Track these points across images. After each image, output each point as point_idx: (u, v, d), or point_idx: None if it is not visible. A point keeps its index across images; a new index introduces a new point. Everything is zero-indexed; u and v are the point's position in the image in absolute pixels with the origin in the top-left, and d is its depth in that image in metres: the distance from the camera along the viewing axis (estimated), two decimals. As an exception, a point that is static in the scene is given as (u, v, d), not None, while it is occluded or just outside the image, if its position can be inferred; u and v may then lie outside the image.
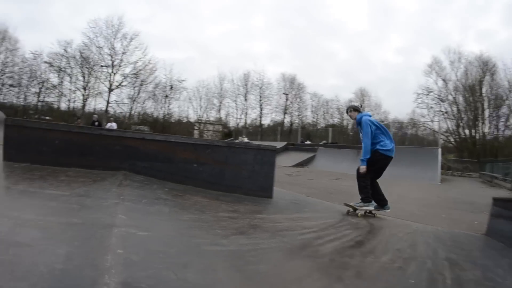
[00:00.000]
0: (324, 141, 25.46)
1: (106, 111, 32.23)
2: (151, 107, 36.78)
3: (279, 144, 23.51)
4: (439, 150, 15.03)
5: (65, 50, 32.73)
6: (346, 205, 4.02)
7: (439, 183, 12.87)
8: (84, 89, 33.57)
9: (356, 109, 4.29)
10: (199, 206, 3.05)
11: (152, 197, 3.00)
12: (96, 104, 34.26)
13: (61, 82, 33.57)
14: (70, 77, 33.50)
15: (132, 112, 35.54)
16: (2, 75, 31.79)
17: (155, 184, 3.54)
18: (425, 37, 50.52)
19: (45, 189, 2.60)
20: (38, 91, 33.38)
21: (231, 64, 63.79)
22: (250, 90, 39.54)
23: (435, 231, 3.44)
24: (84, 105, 33.57)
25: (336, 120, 40.44)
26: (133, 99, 35.21)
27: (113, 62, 33.71)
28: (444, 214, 5.19)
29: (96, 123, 15.68)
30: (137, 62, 34.46)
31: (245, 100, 39.62)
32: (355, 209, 3.88)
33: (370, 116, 4.18)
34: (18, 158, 3.44)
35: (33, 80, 32.92)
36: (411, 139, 27.56)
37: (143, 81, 35.24)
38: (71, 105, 34.60)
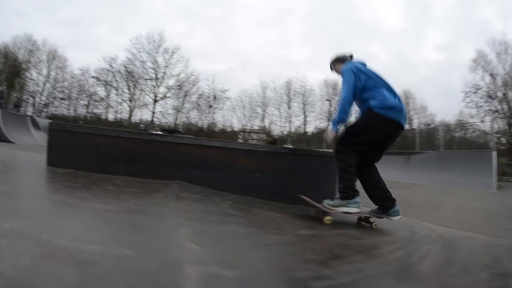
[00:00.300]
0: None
1: (152, 121, 33.37)
2: (195, 117, 37.73)
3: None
4: (494, 153, 12.91)
5: (111, 65, 35.39)
6: (308, 203, 2.75)
7: (495, 190, 11.11)
8: (130, 101, 35.23)
9: (341, 59, 2.91)
10: (273, 223, 2.40)
11: (219, 214, 2.29)
12: (142, 114, 35.91)
13: (108, 94, 36.30)
14: (117, 90, 35.87)
15: (177, 122, 36.53)
16: (54, 90, 36.05)
17: (216, 196, 2.86)
18: (465, 29, 47.00)
19: (88, 201, 1.99)
20: (86, 104, 36.61)
21: (272, 73, 63.95)
22: (293, 98, 39.09)
23: (507, 244, 2.81)
24: (130, 116, 35.14)
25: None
26: (177, 110, 36.27)
27: (156, 75, 35.53)
28: (509, 225, 4.39)
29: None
30: (179, 74, 35.91)
31: (289, 107, 39.10)
32: (325, 212, 2.53)
33: (362, 64, 2.76)
34: (62, 163, 3.00)
35: (82, 94, 35.92)
36: (459, 142, 25.24)
37: (186, 92, 36.57)
38: (118, 116, 36.65)
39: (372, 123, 2.56)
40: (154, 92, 35.55)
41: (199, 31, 56.78)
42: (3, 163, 3.28)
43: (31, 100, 35.13)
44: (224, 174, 3.28)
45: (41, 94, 35.44)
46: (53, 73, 35.77)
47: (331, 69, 3.04)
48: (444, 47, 48.27)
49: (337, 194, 2.67)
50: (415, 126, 34.29)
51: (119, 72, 35.38)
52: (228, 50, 57.71)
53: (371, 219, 2.73)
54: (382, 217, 2.67)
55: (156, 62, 35.55)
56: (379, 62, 48.66)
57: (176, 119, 36.94)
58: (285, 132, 39.00)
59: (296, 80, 38.65)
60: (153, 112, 35.17)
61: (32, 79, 35.60)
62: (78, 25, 47.87)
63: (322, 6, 56.24)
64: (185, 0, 56.74)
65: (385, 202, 2.65)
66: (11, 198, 1.79)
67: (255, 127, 39.49)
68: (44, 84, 35.59)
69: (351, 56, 2.95)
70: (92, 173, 2.90)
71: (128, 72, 35.22)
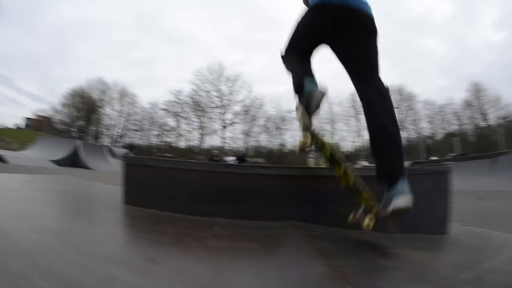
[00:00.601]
0: (453, 154, 21.10)
1: (222, 147, 34.46)
2: (265, 140, 37.88)
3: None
4: None
5: (178, 98, 37.16)
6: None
7: None
8: (200, 128, 36.76)
9: None
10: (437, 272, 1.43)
11: (369, 270, 1.43)
12: (213, 141, 37.28)
13: (178, 124, 37.95)
14: (186, 119, 37.33)
15: (247, 146, 37.23)
16: (127, 122, 40.68)
17: (348, 241, 2.01)
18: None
19: (190, 263, 1.26)
20: (158, 133, 38.85)
21: (334, 87, 62.04)
22: (360, 110, 36.84)
23: None
24: (201, 143, 36.62)
25: (454, 127, 34.41)
26: (246, 134, 37.00)
27: (222, 103, 36.39)
28: None
29: (217, 158, 16.14)
30: (244, 100, 36.57)
31: (357, 120, 37.04)
32: None
33: None
34: (142, 202, 2.40)
35: (153, 125, 38.75)
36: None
37: (253, 116, 37.03)
38: (189, 143, 38.47)
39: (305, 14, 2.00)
40: (221, 119, 36.84)
41: (255, 56, 58.58)
42: (74, 199, 2.84)
43: (107, 132, 39.00)
44: (338, 206, 2.43)
45: (115, 126, 39.16)
46: (125, 108, 40.26)
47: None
48: (502, 22, 41.69)
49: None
50: (492, 122, 30.04)
51: (186, 103, 37.56)
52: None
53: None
54: None
55: (220, 91, 37.27)
56: (438, 58, 43.81)
57: (246, 143, 37.66)
58: (356, 147, 36.92)
59: None
60: (223, 138, 36.36)
61: (106, 115, 40.10)
62: (142, 65, 52.80)
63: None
64: (235, 31, 59.15)
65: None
66: (77, 261, 1.10)
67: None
68: (118, 118, 39.37)
69: None
70: (180, 214, 2.26)
71: (195, 102, 37.26)
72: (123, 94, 40.68)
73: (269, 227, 2.08)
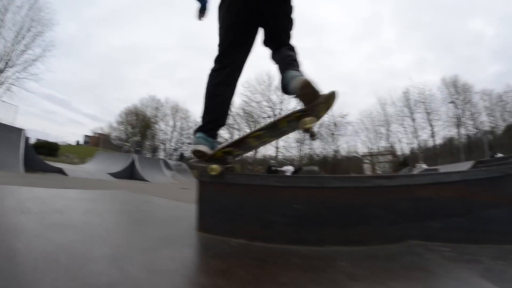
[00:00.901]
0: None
1: (276, 156, 34.17)
2: (318, 147, 36.81)
3: (465, 165, 17.88)
4: None
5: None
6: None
7: None
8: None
9: None
10: None
11: None
12: (266, 151, 37.05)
13: (231, 136, 38.66)
14: (239, 131, 37.77)
15: (301, 154, 36.54)
16: (181, 136, 43.37)
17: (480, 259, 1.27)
18: None
19: None
20: None
21: (385, 87, 58.63)
22: (414, 109, 34.32)
23: None
24: (255, 153, 36.73)
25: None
26: (300, 142, 36.39)
27: (274, 112, 36.24)
28: None
29: (274, 168, 15.75)
30: (295, 107, 36.14)
31: (412, 120, 34.27)
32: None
33: None
34: (224, 229, 1.77)
35: None
36: None
37: None
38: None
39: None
40: None
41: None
42: (133, 225, 2.20)
43: (162, 146, 40.86)
44: (460, 219, 1.81)
45: (170, 141, 40.93)
46: (178, 123, 41.55)
47: None
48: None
49: None
50: None
51: (238, 114, 37.88)
52: (332, 76, 56.80)
53: None
54: None
55: (270, 100, 36.91)
56: (488, 41, 38.25)
57: (300, 152, 37.00)
58: (413, 149, 33.99)
59: (413, 88, 33.89)
60: (277, 148, 36.11)
61: (161, 130, 41.92)
62: (191, 81, 54.91)
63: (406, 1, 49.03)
64: None
65: None
66: None
67: (381, 149, 35.86)
68: (171, 132, 41.26)
69: None
70: (279, 245, 1.59)
71: (247, 113, 37.44)
72: (176, 110, 42.71)
73: (395, 252, 1.54)
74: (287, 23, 2.06)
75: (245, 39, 2.06)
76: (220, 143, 2.17)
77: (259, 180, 1.87)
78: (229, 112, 2.13)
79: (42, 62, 24.11)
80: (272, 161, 20.18)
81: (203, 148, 1.97)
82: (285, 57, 1.95)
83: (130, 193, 4.78)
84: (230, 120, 38.73)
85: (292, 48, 2.05)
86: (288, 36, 2.07)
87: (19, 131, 12.59)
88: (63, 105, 75.96)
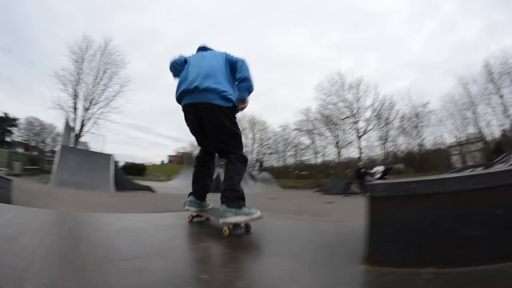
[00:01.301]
0: None
1: (359, 157, 32.61)
2: (403, 143, 34.00)
3: None
4: None
5: (307, 115, 37.35)
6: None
7: None
8: (337, 142, 35.80)
9: None
10: None
11: None
12: (349, 153, 35.43)
13: (313, 141, 37.75)
14: (319, 135, 36.85)
15: (385, 152, 34.25)
16: (261, 148, 43.31)
17: None
18: None
19: None
20: (293, 153, 40.54)
21: (460, 64, 50.95)
22: (500, 83, 27.95)
23: None
24: (339, 156, 35.39)
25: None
26: (383, 139, 34.19)
27: (352, 112, 34.65)
28: None
29: (364, 171, 15.03)
30: (373, 104, 34.18)
31: (500, 97, 28.23)
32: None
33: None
34: (407, 258, 1.36)
35: (287, 146, 40.48)
36: None
37: (386, 119, 33.76)
38: (326, 158, 38.60)
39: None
40: (355, 128, 35.05)
41: (366, 57, 55.33)
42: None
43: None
44: None
45: (251, 153, 42.28)
46: (257, 135, 42.66)
47: None
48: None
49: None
50: None
51: (317, 119, 37.26)
52: (402, 63, 52.18)
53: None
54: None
55: (346, 100, 35.46)
56: None
57: (384, 149, 34.64)
58: (505, 130, 28.00)
59: (493, 59, 27.92)
60: (360, 148, 34.43)
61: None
62: (264, 94, 56.31)
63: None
64: (336, 38, 57.26)
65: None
66: None
67: (470, 136, 30.70)
68: (252, 144, 42.31)
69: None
70: (481, 267, 1.24)
71: (325, 116, 36.64)
72: (253, 122, 43.51)
73: None
74: (224, 138, 2.32)
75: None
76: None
77: (453, 184, 1.42)
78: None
79: (122, 97, 27.44)
80: (361, 163, 18.98)
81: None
82: (225, 184, 2.18)
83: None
84: (309, 126, 38.21)
85: (234, 162, 2.28)
86: (227, 149, 2.34)
87: (108, 156, 14.13)
88: (146, 131, 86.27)
